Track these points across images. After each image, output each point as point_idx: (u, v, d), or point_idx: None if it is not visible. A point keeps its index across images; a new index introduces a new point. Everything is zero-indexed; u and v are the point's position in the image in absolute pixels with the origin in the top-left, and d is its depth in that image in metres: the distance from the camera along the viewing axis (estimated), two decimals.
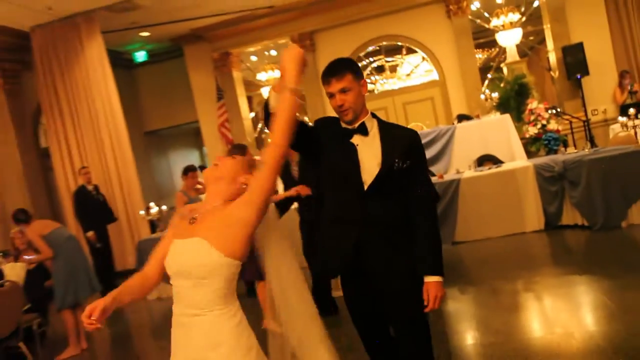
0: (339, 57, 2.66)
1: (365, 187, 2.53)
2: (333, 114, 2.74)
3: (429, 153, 9.23)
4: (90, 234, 8.67)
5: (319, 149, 2.61)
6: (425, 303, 2.52)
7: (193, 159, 15.95)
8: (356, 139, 2.58)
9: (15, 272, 6.10)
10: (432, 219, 2.64)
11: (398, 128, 2.71)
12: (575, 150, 7.73)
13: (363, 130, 2.57)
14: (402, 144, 2.56)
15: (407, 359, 2.63)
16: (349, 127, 2.59)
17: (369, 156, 2.55)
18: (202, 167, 9.01)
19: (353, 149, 2.56)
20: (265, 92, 12.86)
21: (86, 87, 9.82)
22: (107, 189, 9.76)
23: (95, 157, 9.89)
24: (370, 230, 2.54)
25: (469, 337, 4.50)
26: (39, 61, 9.96)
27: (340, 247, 2.59)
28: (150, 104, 14.26)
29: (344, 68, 2.53)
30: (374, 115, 2.65)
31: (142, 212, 9.20)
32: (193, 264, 2.00)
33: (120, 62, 13.06)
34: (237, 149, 2.30)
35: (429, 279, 2.52)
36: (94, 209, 8.84)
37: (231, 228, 2.02)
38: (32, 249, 6.19)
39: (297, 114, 2.15)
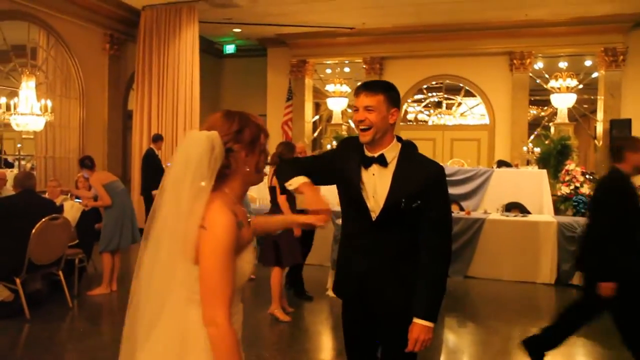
0: (380, 80, 2.44)
1: (374, 218, 2.29)
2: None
3: (464, 189, 9.02)
4: (154, 192, 8.77)
5: (335, 177, 2.41)
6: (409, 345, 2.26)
7: None
8: (374, 169, 2.30)
9: (72, 210, 6.18)
10: (441, 264, 2.32)
11: (420, 163, 2.34)
12: None
13: (382, 161, 2.28)
14: (415, 182, 2.25)
15: None
16: (369, 154, 2.31)
17: (383, 188, 2.28)
18: None
19: (370, 180, 2.31)
20: (330, 102, 12.77)
21: (175, 66, 9.98)
22: (170, 158, 9.89)
23: (168, 127, 10.02)
24: (378, 260, 2.31)
25: None
26: (142, 36, 10.20)
27: (350, 272, 2.38)
28: (229, 91, 14.43)
29: (379, 88, 2.26)
30: (399, 140, 2.35)
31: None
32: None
33: (210, 50, 13.25)
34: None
35: (419, 322, 2.23)
36: (158, 171, 8.95)
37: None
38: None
39: None
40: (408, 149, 2.36)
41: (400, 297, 2.30)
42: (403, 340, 2.29)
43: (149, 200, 8.82)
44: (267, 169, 5.85)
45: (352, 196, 2.35)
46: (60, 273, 5.54)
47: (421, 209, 2.26)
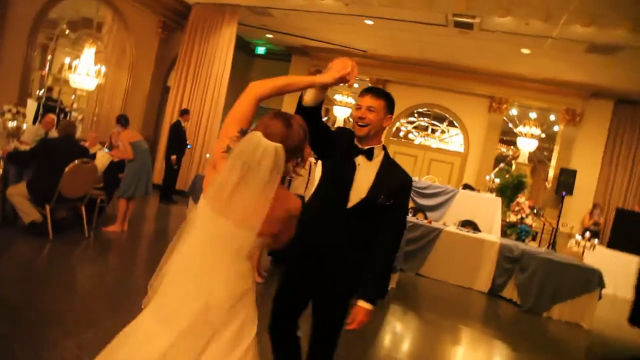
0: (385, 90, 2.36)
1: (349, 205, 2.19)
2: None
3: (432, 202, 9.04)
4: (173, 157, 8.80)
5: (330, 151, 2.27)
6: (350, 322, 2.19)
7: None
8: (359, 159, 2.23)
9: (103, 159, 6.19)
10: (390, 258, 2.27)
11: (398, 170, 2.30)
12: (536, 246, 7.41)
13: (369, 155, 2.23)
14: (394, 184, 2.22)
15: (314, 348, 2.30)
16: (359, 146, 2.25)
17: (363, 180, 2.20)
18: None
19: (353, 167, 2.22)
20: (336, 109, 12.77)
21: (211, 57, 9.94)
22: (195, 132, 9.90)
23: (197, 106, 10.00)
24: (337, 244, 2.20)
25: (384, 348, 4.37)
26: (189, 27, 10.13)
27: (310, 232, 2.16)
28: None
29: (383, 95, 2.25)
30: (384, 149, 2.30)
31: (208, 155, 9.36)
32: None
33: (244, 48, 13.20)
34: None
35: (363, 304, 2.17)
36: (181, 141, 8.96)
37: None
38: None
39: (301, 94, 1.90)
40: (388, 155, 2.33)
41: (344, 280, 2.24)
42: (334, 315, 2.26)
43: (168, 163, 8.83)
44: None
45: (341, 177, 2.22)
46: (83, 208, 5.57)
47: (389, 208, 2.21)
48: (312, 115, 2.05)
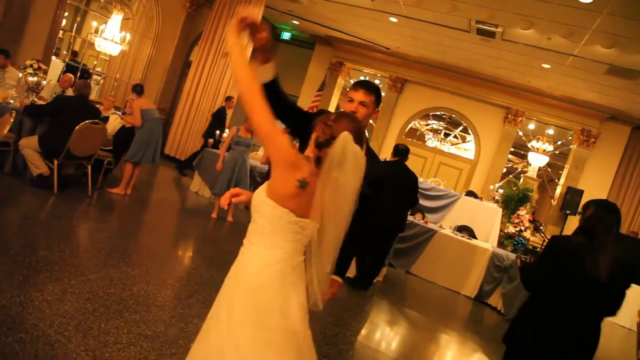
0: (374, 83, 2.37)
1: None
2: None
3: (433, 204, 9.09)
4: (210, 140, 8.81)
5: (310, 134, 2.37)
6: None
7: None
8: None
9: (114, 123, 6.37)
10: (349, 234, 2.23)
11: (377, 158, 2.39)
12: None
13: None
14: (376, 173, 2.31)
15: None
16: None
17: None
18: None
19: None
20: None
21: None
22: (211, 109, 10.04)
23: (215, 82, 10.14)
24: None
25: (361, 336, 4.48)
26: (217, 5, 10.23)
27: None
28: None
29: (374, 91, 2.31)
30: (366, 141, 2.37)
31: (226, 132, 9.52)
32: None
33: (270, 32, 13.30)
34: None
35: (337, 279, 2.27)
36: (222, 125, 9.10)
37: None
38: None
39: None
40: (370, 147, 2.33)
41: None
42: None
43: (205, 144, 8.93)
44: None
45: None
46: (89, 167, 5.76)
47: (367, 197, 2.20)
48: (273, 91, 2.08)
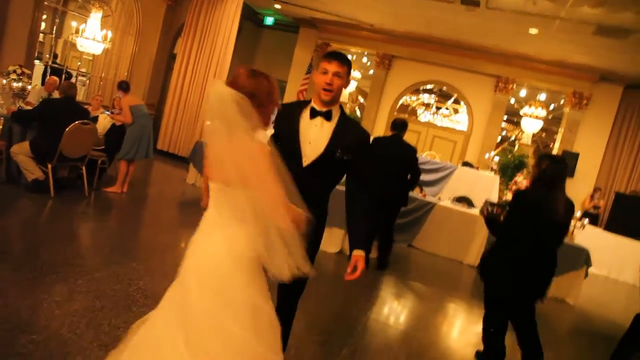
0: (343, 53, 2.35)
1: (305, 164, 2.28)
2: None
3: (430, 177, 9.13)
4: None
5: (280, 133, 2.38)
6: (350, 271, 2.20)
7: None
8: (318, 121, 2.31)
9: (104, 122, 6.36)
10: (369, 207, 2.37)
11: (354, 126, 2.39)
12: None
13: (328, 116, 2.31)
14: (350, 139, 2.30)
15: (285, 299, 2.45)
16: (318, 109, 2.32)
17: (321, 139, 2.29)
18: None
19: (310, 128, 2.31)
20: None
21: (217, 26, 9.96)
22: (199, 100, 10.00)
23: (201, 73, 10.08)
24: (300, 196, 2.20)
25: (373, 312, 4.55)
26: None
27: None
28: (261, 56, 14.40)
29: (347, 61, 2.30)
30: (341, 108, 2.39)
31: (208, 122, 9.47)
32: None
33: (253, 18, 13.20)
34: None
35: (359, 253, 2.23)
36: None
37: None
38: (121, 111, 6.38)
39: None
40: (345, 113, 2.40)
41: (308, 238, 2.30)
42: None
43: None
44: None
45: (289, 139, 2.30)
46: (84, 168, 5.76)
47: (348, 163, 2.30)
48: None
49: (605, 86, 10.79)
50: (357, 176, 2.37)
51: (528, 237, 3.24)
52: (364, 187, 2.39)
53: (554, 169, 3.28)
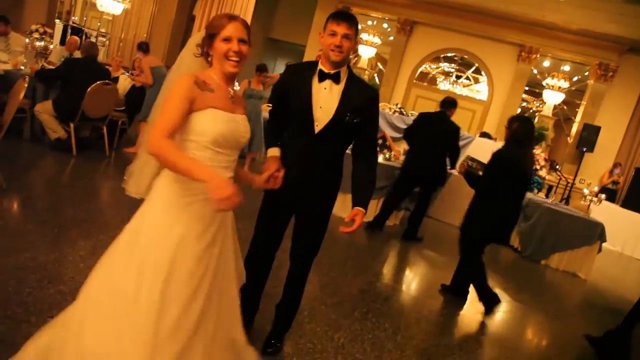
0: (350, 13, 2.35)
1: (317, 130, 2.27)
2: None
3: None
4: None
5: (288, 95, 2.34)
6: (347, 221, 2.22)
7: None
8: (327, 84, 2.27)
9: (125, 83, 6.41)
10: (374, 170, 2.38)
11: (362, 85, 2.35)
12: (544, 197, 7.50)
13: (336, 78, 2.26)
14: (359, 101, 2.26)
15: (300, 257, 2.50)
16: (326, 71, 2.26)
17: (330, 103, 2.25)
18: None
19: (320, 93, 2.27)
20: (361, 48, 12.47)
21: None
22: None
23: None
24: (311, 169, 2.30)
25: (384, 278, 4.64)
26: None
27: (285, 182, 2.22)
28: (281, 20, 14.26)
29: (355, 22, 2.23)
30: (349, 68, 2.33)
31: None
32: (247, 138, 1.85)
33: None
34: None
35: (359, 209, 2.24)
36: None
37: None
38: (141, 72, 6.41)
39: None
40: (353, 72, 2.36)
41: (321, 201, 2.39)
42: (317, 231, 2.43)
43: None
44: None
45: (301, 106, 2.28)
46: (105, 128, 5.86)
47: (358, 125, 2.28)
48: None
49: (633, 58, 10.48)
50: (365, 136, 2.37)
51: (504, 189, 3.81)
52: (372, 147, 2.40)
53: (524, 129, 3.83)
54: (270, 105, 2.47)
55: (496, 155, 3.86)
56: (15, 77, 5.33)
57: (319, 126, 2.27)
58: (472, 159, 4.13)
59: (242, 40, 1.80)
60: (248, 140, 1.86)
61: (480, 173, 4.08)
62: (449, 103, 5.86)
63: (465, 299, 4.37)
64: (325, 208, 2.42)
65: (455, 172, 7.48)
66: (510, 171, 3.77)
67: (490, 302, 4.19)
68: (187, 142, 1.73)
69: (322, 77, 2.27)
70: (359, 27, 2.33)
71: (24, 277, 2.73)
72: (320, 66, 2.29)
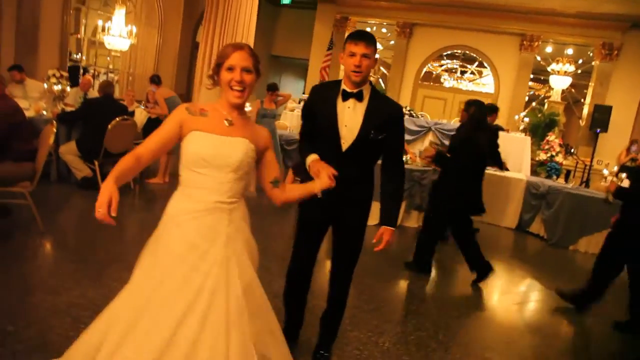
0: (369, 32, 2.36)
1: (344, 148, 2.33)
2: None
3: None
4: None
5: (316, 115, 2.41)
6: (375, 241, 2.35)
7: (299, 86, 16.15)
8: (350, 103, 2.33)
9: (141, 116, 6.59)
10: (398, 184, 2.45)
11: (385, 102, 2.40)
12: (563, 183, 7.49)
13: (359, 97, 2.32)
14: (382, 118, 2.31)
15: (339, 268, 2.57)
16: (349, 90, 2.32)
17: (355, 122, 2.31)
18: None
19: (344, 112, 2.33)
20: None
21: (237, 9, 9.96)
22: None
23: None
24: (342, 186, 2.21)
25: (410, 279, 4.69)
26: None
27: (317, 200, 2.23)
28: (281, 36, 14.45)
29: (373, 41, 2.28)
30: (371, 85, 2.39)
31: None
32: (244, 159, 1.81)
33: None
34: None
35: (388, 228, 2.36)
36: None
37: (257, 143, 1.90)
38: (156, 104, 6.57)
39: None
40: (376, 89, 2.42)
41: (354, 215, 2.46)
42: (353, 243, 2.49)
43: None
44: None
45: (328, 125, 2.34)
46: None
47: (383, 141, 2.35)
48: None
49: (636, 34, 10.44)
50: (390, 153, 2.44)
51: (471, 167, 4.34)
52: (397, 163, 2.46)
53: (481, 112, 4.30)
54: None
55: (461, 137, 4.36)
56: (39, 123, 5.53)
57: (345, 144, 2.34)
58: (436, 143, 4.48)
59: (247, 69, 1.83)
60: (239, 161, 1.82)
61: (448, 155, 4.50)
62: (488, 109, 5.98)
63: (428, 273, 4.69)
64: (359, 222, 2.49)
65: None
66: (474, 150, 4.28)
67: (483, 271, 4.57)
68: (180, 166, 1.87)
69: (346, 96, 2.34)
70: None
71: (78, 314, 2.85)
72: (343, 86, 2.36)
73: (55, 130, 4.05)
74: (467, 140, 4.27)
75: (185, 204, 1.82)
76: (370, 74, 2.44)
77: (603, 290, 4.18)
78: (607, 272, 4.14)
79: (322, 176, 2.06)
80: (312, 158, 2.34)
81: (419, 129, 8.50)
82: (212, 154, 1.77)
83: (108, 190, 1.67)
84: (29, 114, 5.81)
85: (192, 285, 1.70)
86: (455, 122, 10.24)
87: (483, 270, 4.59)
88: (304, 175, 2.50)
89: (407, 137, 8.22)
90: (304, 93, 12.24)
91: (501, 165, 7.05)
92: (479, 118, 4.29)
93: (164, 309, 1.68)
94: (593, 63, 11.18)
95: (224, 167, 1.79)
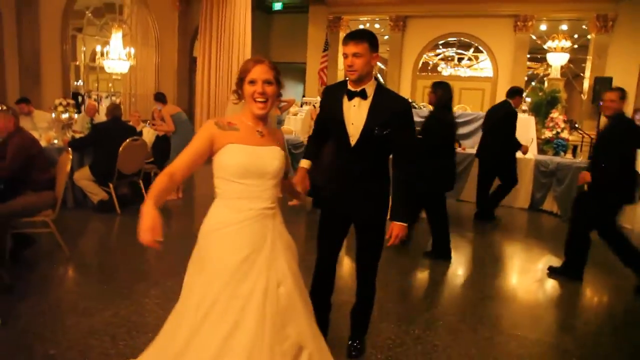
0: (363, 29, 2.48)
1: (352, 144, 2.42)
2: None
3: (465, 130, 9.10)
4: None
5: (328, 116, 2.56)
6: (387, 237, 2.45)
7: (298, 90, 16.19)
8: (355, 101, 2.40)
9: (149, 135, 6.68)
10: (408, 179, 2.48)
11: (389, 97, 2.43)
12: (571, 158, 7.50)
13: (363, 95, 2.38)
14: (386, 114, 2.35)
15: (363, 263, 2.64)
16: (353, 89, 2.40)
17: (359, 119, 2.39)
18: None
19: (350, 110, 2.42)
20: None
21: (231, 21, 10.13)
22: (227, 95, 10.24)
23: (225, 71, 10.31)
24: (353, 180, 2.46)
25: (430, 266, 4.74)
26: None
27: (331, 190, 2.58)
28: (276, 43, 14.52)
29: (364, 37, 2.30)
30: (377, 81, 2.44)
31: None
32: (279, 166, 1.93)
33: (261, 6, 13.28)
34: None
35: (397, 223, 2.42)
36: None
37: (281, 145, 2.03)
38: (162, 121, 6.67)
39: None
40: (382, 86, 2.47)
41: (370, 209, 2.51)
42: (373, 237, 2.55)
43: None
44: None
45: (337, 123, 2.46)
46: (141, 182, 6.12)
47: (390, 136, 2.38)
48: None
49: (629, 3, 10.40)
50: (397, 148, 2.47)
51: (444, 147, 4.54)
52: (405, 158, 2.47)
53: (448, 93, 4.51)
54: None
55: (434, 119, 4.57)
56: (51, 152, 5.64)
57: (353, 140, 2.42)
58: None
59: (268, 81, 1.91)
60: (277, 168, 1.93)
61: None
62: (512, 92, 6.29)
63: (449, 259, 4.71)
64: (376, 216, 2.54)
65: (459, 149, 7.52)
66: (447, 131, 4.54)
67: (442, 254, 4.67)
68: (217, 179, 1.93)
69: (350, 95, 2.42)
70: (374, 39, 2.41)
71: (115, 332, 2.93)
72: (348, 85, 2.44)
73: (71, 157, 4.14)
74: (444, 122, 4.52)
75: (229, 215, 1.89)
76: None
77: (586, 252, 4.26)
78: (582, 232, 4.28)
79: (297, 187, 2.45)
80: (302, 164, 2.63)
81: (422, 119, 8.52)
82: (254, 164, 1.86)
83: (150, 215, 1.71)
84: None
85: (241, 294, 1.81)
86: (457, 110, 10.28)
87: (442, 254, 4.69)
88: (317, 177, 2.64)
89: None
90: (304, 96, 12.30)
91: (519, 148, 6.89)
92: (448, 100, 4.53)
93: (220, 323, 1.80)
94: (589, 36, 11.16)
95: (265, 174, 1.89)
